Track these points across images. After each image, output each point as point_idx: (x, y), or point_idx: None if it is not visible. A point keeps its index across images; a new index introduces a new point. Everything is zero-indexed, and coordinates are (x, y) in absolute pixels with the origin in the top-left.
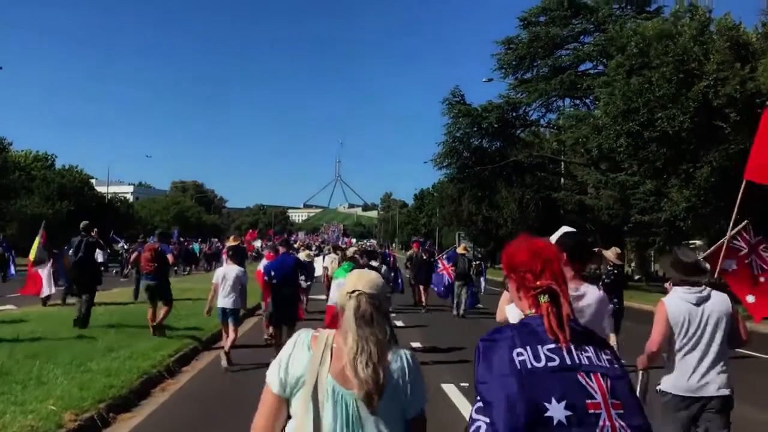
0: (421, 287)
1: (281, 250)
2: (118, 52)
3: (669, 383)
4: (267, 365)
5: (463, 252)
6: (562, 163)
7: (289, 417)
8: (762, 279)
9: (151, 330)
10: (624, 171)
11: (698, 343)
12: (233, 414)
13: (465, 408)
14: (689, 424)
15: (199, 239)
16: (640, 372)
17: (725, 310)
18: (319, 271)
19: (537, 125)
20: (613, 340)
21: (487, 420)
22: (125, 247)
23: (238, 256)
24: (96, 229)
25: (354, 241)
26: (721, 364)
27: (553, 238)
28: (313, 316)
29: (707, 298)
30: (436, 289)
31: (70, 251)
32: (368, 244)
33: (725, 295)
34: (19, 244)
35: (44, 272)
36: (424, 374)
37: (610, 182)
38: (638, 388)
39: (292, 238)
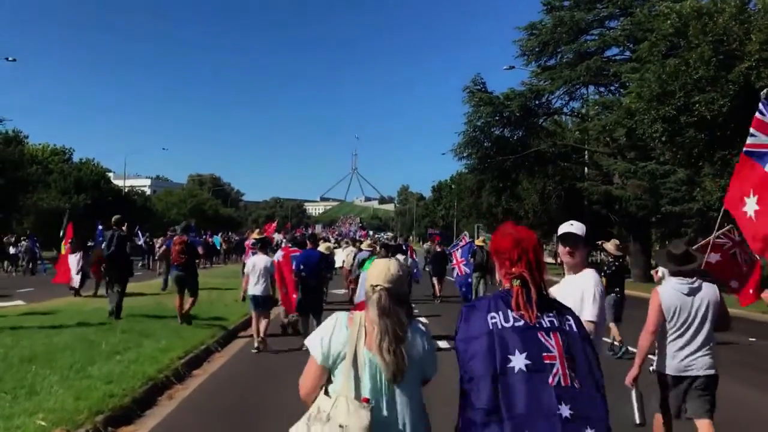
0: (435, 278)
1: (309, 245)
2: (137, 47)
3: (661, 364)
4: (282, 364)
5: (481, 244)
6: (586, 152)
7: (328, 381)
8: (744, 269)
9: (179, 319)
10: (654, 160)
11: (688, 329)
12: (245, 425)
13: None
14: (679, 400)
15: (220, 233)
16: (633, 391)
17: (713, 300)
18: (339, 263)
19: (560, 113)
20: (614, 329)
21: (467, 372)
22: (141, 240)
23: (266, 247)
24: (127, 224)
25: (371, 233)
26: (708, 347)
27: (563, 229)
28: (331, 307)
29: (698, 289)
30: (458, 287)
31: (103, 245)
32: (385, 237)
33: (714, 286)
34: (35, 237)
35: (73, 262)
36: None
37: (639, 171)
38: (634, 405)
39: (309, 231)
